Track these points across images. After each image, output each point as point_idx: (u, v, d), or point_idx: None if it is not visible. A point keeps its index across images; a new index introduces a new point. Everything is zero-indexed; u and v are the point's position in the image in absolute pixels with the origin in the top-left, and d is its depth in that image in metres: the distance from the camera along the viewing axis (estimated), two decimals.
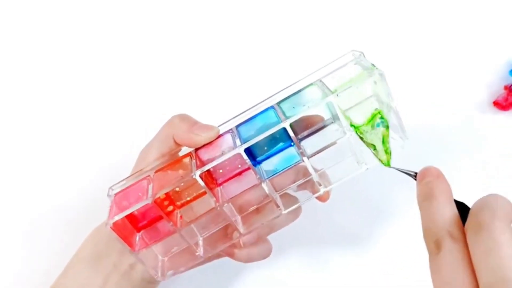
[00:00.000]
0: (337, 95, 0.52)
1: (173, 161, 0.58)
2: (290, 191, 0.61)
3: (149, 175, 0.58)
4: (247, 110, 0.57)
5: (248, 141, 0.53)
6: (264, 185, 0.56)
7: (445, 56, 0.78)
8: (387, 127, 0.54)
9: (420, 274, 0.69)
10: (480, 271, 0.39)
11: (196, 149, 0.58)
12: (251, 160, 0.54)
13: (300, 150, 0.55)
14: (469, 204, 0.44)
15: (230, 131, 0.57)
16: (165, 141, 0.60)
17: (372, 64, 0.53)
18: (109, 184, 0.59)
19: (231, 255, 0.61)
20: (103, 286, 0.60)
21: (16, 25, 0.85)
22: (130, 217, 0.57)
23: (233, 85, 0.80)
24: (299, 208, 0.61)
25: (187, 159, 0.57)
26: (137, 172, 0.59)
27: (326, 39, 0.80)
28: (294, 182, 0.61)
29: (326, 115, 0.57)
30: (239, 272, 0.73)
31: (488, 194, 0.43)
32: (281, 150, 0.57)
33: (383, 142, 0.54)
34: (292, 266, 0.73)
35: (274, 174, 0.56)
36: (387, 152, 0.55)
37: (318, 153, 0.56)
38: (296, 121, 0.53)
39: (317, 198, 0.59)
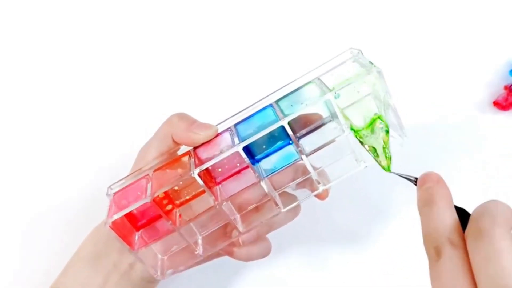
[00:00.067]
0: (335, 93, 0.52)
1: (171, 160, 0.58)
2: (289, 190, 0.61)
3: (148, 174, 0.58)
4: (246, 108, 0.57)
5: (246, 139, 0.53)
6: (263, 184, 0.56)
7: (445, 56, 0.78)
8: (387, 132, 0.54)
9: (419, 273, 0.69)
10: (480, 278, 0.39)
11: (195, 148, 0.58)
12: (249, 159, 0.54)
13: (299, 148, 0.55)
14: (469, 209, 0.44)
15: (229, 129, 0.57)
16: (164, 140, 0.60)
17: (370, 62, 0.53)
18: (108, 183, 0.60)
19: (231, 254, 0.61)
20: (103, 286, 0.60)
21: (16, 25, 0.85)
22: (129, 216, 0.57)
23: (232, 84, 0.80)
24: (298, 206, 0.61)
25: (185, 158, 0.57)
26: (136, 171, 0.59)
27: (324, 37, 0.80)
28: (293, 180, 0.61)
29: (325, 113, 0.57)
30: (238, 271, 0.73)
31: (488, 200, 0.43)
32: (280, 148, 0.57)
33: (383, 147, 0.54)
34: (291, 265, 0.73)
35: (272, 173, 0.56)
36: (387, 157, 0.55)
37: (317, 151, 0.56)
38: (294, 119, 0.53)
39: (316, 196, 0.60)
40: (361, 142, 0.54)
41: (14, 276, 0.75)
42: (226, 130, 0.57)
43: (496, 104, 0.76)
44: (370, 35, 0.80)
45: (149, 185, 0.57)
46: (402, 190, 0.71)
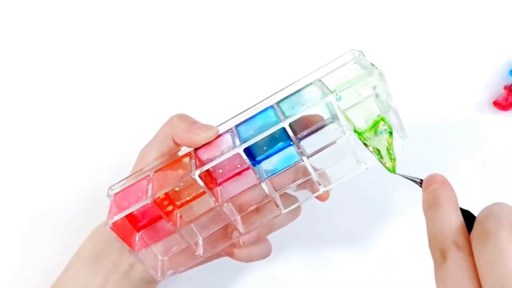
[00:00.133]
0: (336, 94, 0.52)
1: (172, 161, 0.58)
2: (289, 191, 0.61)
3: (148, 175, 0.58)
4: (247, 109, 0.57)
5: (247, 141, 0.53)
6: (263, 185, 0.56)
7: (445, 56, 0.78)
8: (391, 133, 0.54)
9: (419, 273, 0.69)
10: (485, 280, 0.39)
11: (196, 149, 0.58)
12: (250, 160, 0.54)
13: (300, 150, 0.55)
14: (470, 209, 0.44)
15: (230, 130, 0.57)
16: (165, 141, 0.60)
17: (372, 64, 0.53)
18: (109, 184, 0.59)
19: (231, 255, 0.61)
20: (103, 286, 0.60)
21: (16, 25, 0.85)
22: (130, 217, 0.57)
23: (233, 85, 0.80)
24: (298, 207, 0.61)
25: (186, 159, 0.57)
26: (136, 172, 0.59)
27: (326, 39, 0.80)
28: (294, 182, 0.61)
29: (326, 115, 0.57)
30: (239, 272, 0.73)
31: (493, 203, 0.42)
32: (281, 149, 0.57)
33: (387, 148, 0.54)
34: (292, 266, 0.73)
35: (273, 174, 0.56)
36: (392, 158, 0.54)
37: (318, 152, 0.56)
38: (295, 120, 0.53)
39: (316, 197, 0.59)
40: (365, 144, 0.54)
41: (14, 276, 0.74)
42: (227, 131, 0.57)
43: (496, 104, 0.76)
44: (370, 35, 0.80)
45: (149, 186, 0.57)
46: (403, 192, 0.72)
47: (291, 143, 0.56)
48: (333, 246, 0.73)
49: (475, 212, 0.44)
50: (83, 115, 0.81)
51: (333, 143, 0.55)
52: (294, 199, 0.61)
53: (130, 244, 0.57)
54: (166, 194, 0.57)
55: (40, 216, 0.76)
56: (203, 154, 0.57)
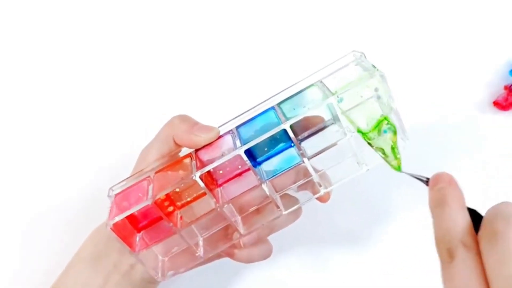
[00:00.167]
0: (337, 96, 0.52)
1: (173, 162, 0.58)
2: (290, 192, 0.61)
3: (149, 176, 0.58)
4: (248, 111, 0.57)
5: (248, 142, 0.53)
6: (264, 186, 0.56)
7: (445, 56, 0.78)
8: (395, 132, 0.54)
9: (420, 274, 0.69)
10: (493, 281, 0.39)
11: (196, 150, 0.58)
12: (251, 161, 0.54)
13: (301, 151, 0.55)
14: (475, 208, 0.44)
15: (231, 132, 0.57)
16: (165, 142, 0.60)
17: (373, 65, 0.53)
18: (109, 184, 0.59)
19: (231, 256, 0.61)
20: (103, 286, 0.60)
21: (16, 25, 0.85)
22: (130, 217, 0.57)
23: (234, 86, 0.80)
24: (299, 208, 0.61)
25: (187, 160, 0.57)
26: (137, 172, 0.59)
27: (327, 40, 0.80)
28: (295, 183, 0.61)
29: (327, 116, 0.57)
30: (239, 273, 0.73)
31: (501, 202, 0.42)
32: (282, 151, 0.57)
33: (392, 147, 0.54)
34: (292, 266, 0.73)
35: (274, 175, 0.56)
36: (397, 157, 0.54)
37: (318, 154, 0.56)
38: (296, 121, 0.53)
39: (317, 199, 0.60)
40: (370, 144, 0.54)
41: (14, 276, 0.74)
42: (228, 132, 0.57)
43: (496, 104, 0.76)
44: (371, 35, 0.80)
45: (150, 187, 0.56)
46: (403, 192, 0.72)
47: (292, 144, 0.56)
48: (333, 247, 0.73)
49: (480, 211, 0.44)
50: (83, 115, 0.81)
51: (334, 144, 0.55)
52: (294, 200, 0.61)
53: (130, 245, 0.57)
54: (166, 195, 0.57)
55: (40, 216, 0.76)
56: (204, 155, 0.57)
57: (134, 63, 0.82)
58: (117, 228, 0.55)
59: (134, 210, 0.55)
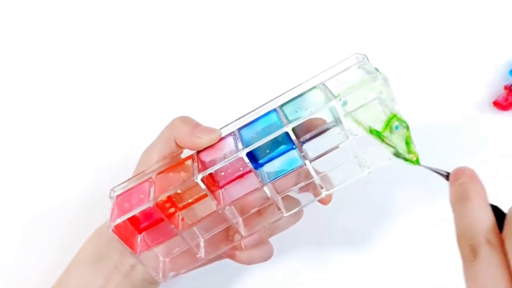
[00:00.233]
0: (340, 99, 0.52)
1: (175, 164, 0.58)
2: (292, 193, 0.61)
3: (151, 177, 0.58)
4: (249, 112, 0.57)
5: (250, 144, 0.53)
6: (265, 188, 0.56)
7: (445, 56, 0.78)
8: (407, 127, 0.54)
9: (421, 274, 0.70)
10: None
11: (198, 152, 0.58)
12: (253, 163, 0.54)
13: (302, 154, 0.55)
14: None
15: (232, 134, 0.57)
16: (167, 143, 0.60)
17: (376, 68, 0.53)
18: (109, 184, 0.59)
19: (233, 257, 0.61)
20: (104, 287, 0.60)
21: (16, 25, 0.85)
22: (132, 219, 0.57)
23: (236, 88, 0.80)
24: (300, 210, 0.61)
25: (189, 162, 0.57)
26: (138, 174, 0.59)
27: (329, 42, 0.80)
28: (296, 185, 0.61)
29: (329, 118, 0.57)
30: (240, 274, 0.73)
31: None
32: (283, 153, 0.57)
33: (407, 143, 0.53)
34: (293, 268, 0.73)
35: (276, 178, 0.56)
36: (413, 151, 0.54)
37: (320, 157, 0.56)
38: (298, 124, 0.53)
39: (319, 201, 0.60)
40: (385, 143, 0.54)
41: (14, 276, 0.74)
42: (229, 134, 0.57)
43: (496, 104, 0.76)
44: (371, 35, 0.80)
45: (152, 189, 0.56)
46: (404, 193, 0.72)
47: (294, 146, 0.56)
48: (334, 248, 0.73)
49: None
50: (83, 116, 0.81)
51: (336, 147, 0.55)
52: (296, 202, 0.61)
53: (131, 246, 0.57)
54: (168, 196, 0.56)
55: (40, 216, 0.76)
56: (206, 157, 0.57)
57: (134, 64, 0.82)
58: (119, 230, 0.55)
59: (135, 212, 0.55)
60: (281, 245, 0.66)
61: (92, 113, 0.81)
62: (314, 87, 0.55)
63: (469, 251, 0.41)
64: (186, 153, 0.60)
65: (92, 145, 0.79)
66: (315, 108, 0.53)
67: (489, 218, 0.42)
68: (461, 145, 0.75)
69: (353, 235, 0.73)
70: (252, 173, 0.56)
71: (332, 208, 0.62)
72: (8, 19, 0.85)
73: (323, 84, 0.55)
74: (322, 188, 0.58)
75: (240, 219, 0.61)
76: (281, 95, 0.56)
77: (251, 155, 0.54)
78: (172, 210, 0.58)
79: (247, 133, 0.56)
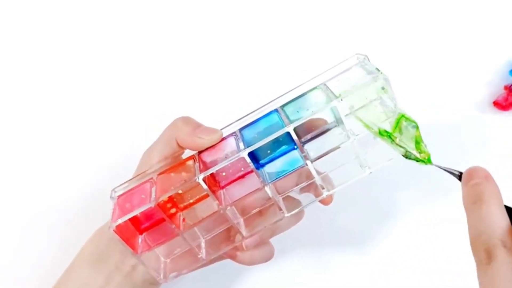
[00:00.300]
0: (341, 99, 0.52)
1: (176, 164, 0.58)
2: (293, 194, 0.61)
3: (152, 178, 0.58)
4: (251, 113, 0.57)
5: (251, 145, 0.53)
6: (267, 189, 0.56)
7: (445, 56, 0.79)
8: (417, 127, 0.53)
9: (421, 275, 0.70)
10: None
11: (199, 152, 0.58)
12: (254, 163, 0.54)
13: (304, 154, 0.55)
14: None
15: (234, 134, 0.57)
16: (168, 144, 0.60)
17: (377, 68, 0.53)
18: (109, 184, 0.59)
19: (234, 258, 0.61)
20: (105, 287, 0.60)
21: (16, 25, 0.85)
22: (133, 219, 0.57)
23: (237, 88, 0.80)
24: (301, 211, 0.61)
25: (190, 162, 0.57)
26: (140, 174, 0.59)
27: (330, 43, 0.80)
28: (297, 185, 0.61)
29: (330, 119, 0.57)
30: (241, 274, 0.73)
31: None
32: (284, 153, 0.57)
33: (417, 142, 0.53)
34: (294, 268, 0.73)
35: (277, 178, 0.56)
36: (424, 151, 0.53)
37: (322, 157, 0.56)
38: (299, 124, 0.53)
39: (320, 201, 0.60)
40: (397, 144, 0.53)
41: (14, 276, 0.74)
42: (231, 134, 0.57)
43: (496, 104, 0.76)
44: (371, 35, 0.80)
45: (153, 189, 0.56)
46: (405, 193, 0.72)
47: (295, 146, 0.56)
48: (335, 248, 0.73)
49: None
50: (83, 115, 0.81)
51: (337, 147, 0.55)
52: (297, 202, 0.61)
53: (133, 246, 0.57)
54: (169, 196, 0.56)
55: (40, 216, 0.76)
56: (207, 157, 0.57)
57: (134, 64, 0.82)
58: (120, 230, 0.55)
59: (137, 212, 0.55)
60: (282, 246, 0.66)
61: (92, 113, 0.81)
62: (315, 88, 0.55)
63: (484, 254, 0.40)
64: (187, 153, 0.60)
65: (92, 145, 0.79)
66: (316, 109, 0.53)
67: (505, 221, 0.41)
68: (461, 145, 0.75)
69: (354, 236, 0.73)
70: (253, 174, 0.56)
71: (333, 209, 0.62)
72: (8, 19, 0.85)
73: (324, 85, 0.55)
74: (323, 188, 0.58)
75: (241, 220, 0.61)
76: (282, 95, 0.56)
77: (252, 155, 0.54)
78: (173, 210, 0.58)
79: (248, 133, 0.56)
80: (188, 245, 0.58)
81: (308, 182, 0.60)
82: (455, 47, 0.79)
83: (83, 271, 0.61)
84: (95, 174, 0.77)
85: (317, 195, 0.60)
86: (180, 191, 0.58)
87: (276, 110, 0.56)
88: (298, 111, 0.54)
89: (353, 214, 0.74)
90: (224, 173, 0.58)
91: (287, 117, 0.54)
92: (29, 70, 0.83)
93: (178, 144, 0.59)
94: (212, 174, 0.56)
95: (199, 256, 0.60)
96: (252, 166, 0.54)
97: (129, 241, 0.56)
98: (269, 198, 0.57)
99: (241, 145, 0.54)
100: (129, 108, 0.80)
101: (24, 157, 0.79)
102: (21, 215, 0.76)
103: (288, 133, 0.53)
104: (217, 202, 0.56)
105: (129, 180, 0.59)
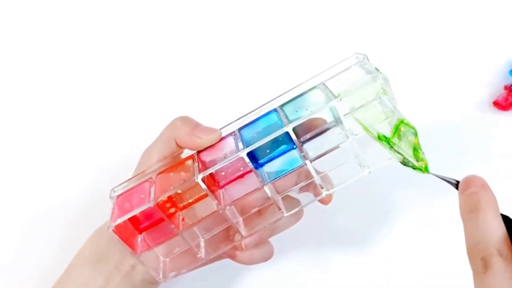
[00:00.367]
0: (340, 99, 0.52)
1: (175, 164, 0.58)
2: (292, 193, 0.61)
3: (151, 177, 0.58)
4: (250, 112, 0.57)
5: (250, 144, 0.53)
6: (266, 188, 0.56)
7: (445, 56, 0.78)
8: (416, 134, 0.53)
9: (421, 275, 0.70)
10: None
11: (198, 152, 0.58)
12: (253, 163, 0.54)
13: (303, 154, 0.55)
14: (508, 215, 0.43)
15: (233, 134, 0.57)
16: (167, 143, 0.60)
17: (376, 68, 0.53)
18: (109, 184, 0.59)
19: (233, 257, 0.61)
20: (104, 287, 0.60)
21: (16, 25, 0.85)
22: (132, 219, 0.57)
23: (236, 87, 0.80)
24: (301, 210, 0.61)
25: (189, 162, 0.57)
26: (139, 174, 0.59)
27: (329, 42, 0.80)
28: (296, 185, 0.61)
29: (329, 118, 0.57)
30: (240, 274, 0.73)
31: None
32: (284, 153, 0.57)
33: (415, 149, 0.53)
34: (294, 268, 0.72)
35: (276, 178, 0.56)
36: (422, 159, 0.53)
37: (321, 157, 0.56)
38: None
39: (319, 201, 0.60)
40: (395, 151, 0.53)
41: (14, 276, 0.74)
42: (230, 134, 0.57)
43: (496, 104, 0.76)
44: (371, 35, 0.80)
45: (152, 189, 0.56)
46: (405, 193, 0.72)
47: (294, 146, 0.55)
48: (335, 248, 0.73)
49: None
50: (83, 115, 0.81)
51: (337, 147, 0.55)
52: (296, 202, 0.61)
53: (132, 246, 0.57)
54: (168, 196, 0.56)
55: (40, 216, 0.76)
56: (206, 157, 0.57)
57: (134, 64, 0.82)
58: (119, 230, 0.55)
59: (136, 212, 0.55)
60: (282, 245, 0.66)
61: (92, 113, 0.81)
62: (314, 87, 0.55)
63: (481, 263, 0.40)
64: (186, 153, 0.60)
65: (92, 145, 0.79)
66: (315, 108, 0.53)
67: (501, 230, 0.41)
68: (461, 145, 0.75)
69: (353, 235, 0.73)
70: (252, 173, 0.56)
71: (332, 208, 0.62)
72: (8, 19, 0.85)
73: (324, 84, 0.55)
74: (322, 188, 0.58)
75: (240, 219, 0.61)
76: (281, 95, 0.56)
77: (251, 155, 0.54)
78: (172, 210, 0.58)
79: (247, 133, 0.56)
80: (187, 244, 0.58)
81: (307, 182, 0.60)
82: (455, 47, 0.79)
83: (82, 271, 0.61)
84: (95, 174, 0.77)
85: (316, 194, 0.60)
86: (179, 191, 0.58)
87: (275, 110, 0.56)
88: (297, 111, 0.54)
89: (353, 214, 0.74)
90: (223, 173, 0.58)
91: (286, 117, 0.54)
92: (29, 70, 0.83)
93: (177, 143, 0.59)
94: (211, 174, 0.56)
95: (198, 256, 0.60)
96: (251, 165, 0.54)
97: (128, 240, 0.56)
98: (268, 198, 0.57)
99: (240, 145, 0.54)
100: (129, 108, 0.80)
101: (24, 157, 0.79)
102: (21, 215, 0.76)
103: (287, 133, 0.53)
104: (216, 201, 0.56)
105: (128, 179, 0.59)
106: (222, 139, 0.57)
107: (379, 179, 0.64)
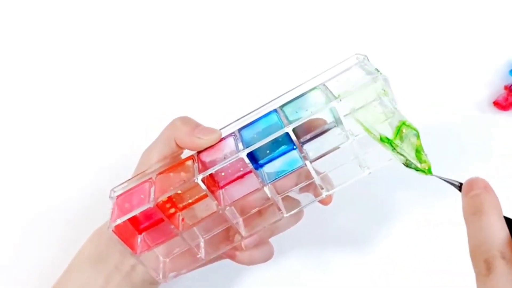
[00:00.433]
0: (340, 100, 0.52)
1: (175, 164, 0.58)
2: (292, 194, 0.61)
3: (151, 178, 0.58)
4: (250, 113, 0.57)
5: (250, 145, 0.53)
6: (266, 189, 0.56)
7: (445, 56, 0.78)
8: (418, 136, 0.53)
9: (421, 275, 0.70)
10: None
11: (198, 152, 0.58)
12: (253, 164, 0.54)
13: (303, 154, 0.55)
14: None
15: (233, 134, 0.57)
16: (167, 144, 0.60)
17: (376, 69, 0.53)
18: (109, 184, 0.59)
19: (233, 258, 0.61)
20: (104, 287, 0.60)
21: (16, 25, 0.85)
22: (132, 219, 0.57)
23: (236, 88, 0.80)
24: (301, 211, 0.61)
25: (189, 162, 0.57)
26: (139, 174, 0.59)
27: (330, 43, 0.80)
28: (296, 185, 0.61)
29: (329, 119, 0.57)
30: (240, 274, 0.73)
31: None
32: (284, 153, 0.57)
33: (417, 151, 0.53)
34: (293, 268, 0.73)
35: (276, 178, 0.56)
36: (424, 161, 0.53)
37: (321, 157, 0.55)
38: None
39: (319, 201, 0.60)
40: (398, 152, 0.53)
41: (14, 276, 0.74)
42: (230, 134, 0.57)
43: (496, 104, 0.76)
44: (371, 35, 0.80)
45: (152, 189, 0.56)
46: (405, 194, 0.72)
47: (294, 147, 0.55)
48: (335, 248, 0.73)
49: None
50: (83, 115, 0.81)
51: (337, 148, 0.55)
52: (296, 202, 0.61)
53: (132, 246, 0.57)
54: (168, 197, 0.56)
55: (40, 216, 0.76)
56: (206, 157, 0.57)
57: (134, 64, 0.82)
58: (119, 230, 0.55)
59: (136, 212, 0.55)
60: (282, 246, 0.66)
61: (92, 113, 0.81)
62: (314, 88, 0.55)
63: (484, 266, 0.41)
64: (186, 153, 0.60)
65: (92, 145, 0.79)
66: (315, 109, 0.53)
67: (504, 232, 0.41)
68: (461, 145, 0.75)
69: (353, 236, 0.73)
70: (252, 174, 0.56)
71: (332, 209, 0.62)
72: (8, 19, 0.85)
73: (324, 85, 0.55)
74: (322, 188, 0.58)
75: (240, 220, 0.61)
76: (281, 95, 0.56)
77: (251, 156, 0.54)
78: (172, 210, 0.58)
79: (247, 134, 0.55)
80: (187, 245, 0.58)
81: (308, 182, 0.60)
82: (455, 47, 0.79)
83: (82, 271, 0.61)
84: (95, 174, 0.77)
85: (316, 195, 0.59)
86: (179, 191, 0.57)
87: (275, 110, 0.55)
88: (297, 112, 0.54)
89: (353, 214, 0.74)
90: (223, 173, 0.58)
91: (286, 118, 0.54)
92: (29, 70, 0.83)
93: (177, 144, 0.59)
94: (211, 174, 0.56)
95: (198, 256, 0.60)
96: (251, 166, 0.54)
97: (128, 241, 0.56)
98: (268, 198, 0.57)
99: (240, 146, 0.54)
100: (129, 108, 0.80)
101: (24, 157, 0.79)
102: (21, 215, 0.76)
103: (287, 134, 0.53)
104: (216, 202, 0.56)
105: (128, 180, 0.59)
106: (222, 139, 0.57)
107: (379, 179, 0.63)
